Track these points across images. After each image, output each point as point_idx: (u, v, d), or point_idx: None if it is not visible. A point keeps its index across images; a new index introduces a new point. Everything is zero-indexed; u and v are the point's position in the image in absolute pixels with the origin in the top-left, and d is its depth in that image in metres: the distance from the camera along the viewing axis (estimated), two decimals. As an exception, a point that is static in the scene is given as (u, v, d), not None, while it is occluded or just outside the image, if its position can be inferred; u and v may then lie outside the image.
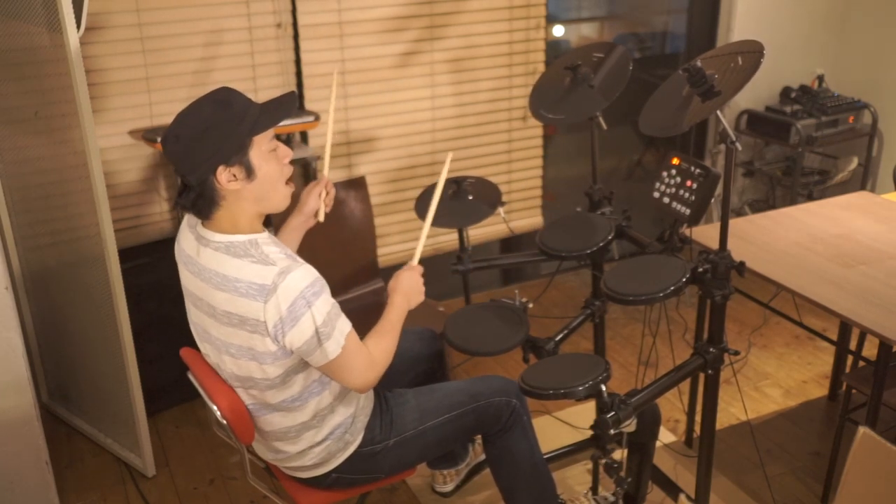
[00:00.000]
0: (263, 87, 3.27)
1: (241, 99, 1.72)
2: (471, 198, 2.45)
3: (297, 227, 2.09)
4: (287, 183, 1.80)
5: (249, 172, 1.70)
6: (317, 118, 3.19)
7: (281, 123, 1.76)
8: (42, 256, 2.92)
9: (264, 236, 1.79)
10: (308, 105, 3.34)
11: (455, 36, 3.54)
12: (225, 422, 1.89)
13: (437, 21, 3.49)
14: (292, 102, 1.77)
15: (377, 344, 1.87)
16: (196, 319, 1.88)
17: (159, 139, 2.91)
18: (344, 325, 1.77)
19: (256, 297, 1.69)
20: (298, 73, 3.30)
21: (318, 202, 2.05)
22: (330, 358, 1.75)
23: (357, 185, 3.44)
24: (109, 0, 2.93)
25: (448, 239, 3.74)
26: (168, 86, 3.12)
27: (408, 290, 1.97)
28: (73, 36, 2.27)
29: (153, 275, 3.04)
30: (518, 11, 3.62)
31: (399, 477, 2.13)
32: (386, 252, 3.66)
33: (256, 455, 2.11)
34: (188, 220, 1.87)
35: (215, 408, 1.89)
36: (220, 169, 1.68)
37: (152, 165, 3.20)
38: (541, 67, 3.73)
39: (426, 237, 2.06)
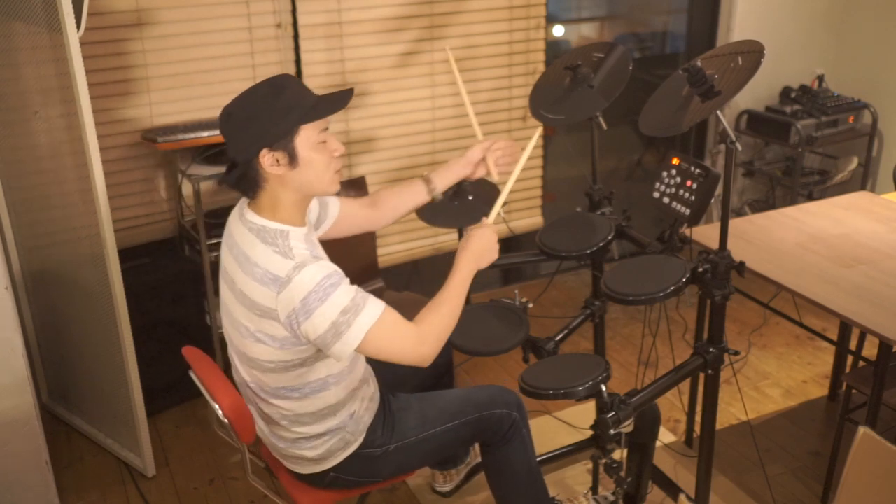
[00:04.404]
0: (263, 87, 3.27)
1: (296, 87, 1.74)
2: (471, 198, 2.44)
3: (452, 172, 2.16)
4: (338, 172, 1.83)
5: (293, 159, 1.73)
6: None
7: None
8: (42, 256, 2.92)
9: (298, 231, 1.80)
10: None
11: (455, 36, 3.54)
12: (226, 421, 1.89)
13: (437, 21, 3.49)
14: (346, 98, 1.77)
15: (428, 318, 1.83)
16: (222, 293, 1.91)
17: (160, 139, 2.93)
18: (371, 310, 1.74)
19: (270, 287, 1.71)
20: (298, 74, 3.30)
21: (480, 154, 2.15)
22: (353, 346, 1.73)
23: (357, 185, 3.44)
24: (109, 0, 2.94)
25: (448, 239, 3.74)
26: (168, 86, 3.12)
27: (478, 249, 1.93)
28: (73, 36, 2.27)
29: (153, 275, 3.05)
30: (518, 11, 3.62)
31: (398, 479, 2.13)
32: (386, 252, 3.66)
33: (257, 454, 2.11)
34: (241, 200, 1.91)
35: (217, 407, 1.89)
36: (264, 152, 1.71)
37: (152, 165, 3.20)
38: (541, 67, 3.73)
39: (508, 193, 2.06)
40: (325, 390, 1.89)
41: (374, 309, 1.75)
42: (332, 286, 1.70)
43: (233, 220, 1.87)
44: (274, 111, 1.70)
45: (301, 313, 1.70)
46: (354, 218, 2.16)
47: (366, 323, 1.73)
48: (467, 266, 1.92)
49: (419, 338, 1.80)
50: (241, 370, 1.92)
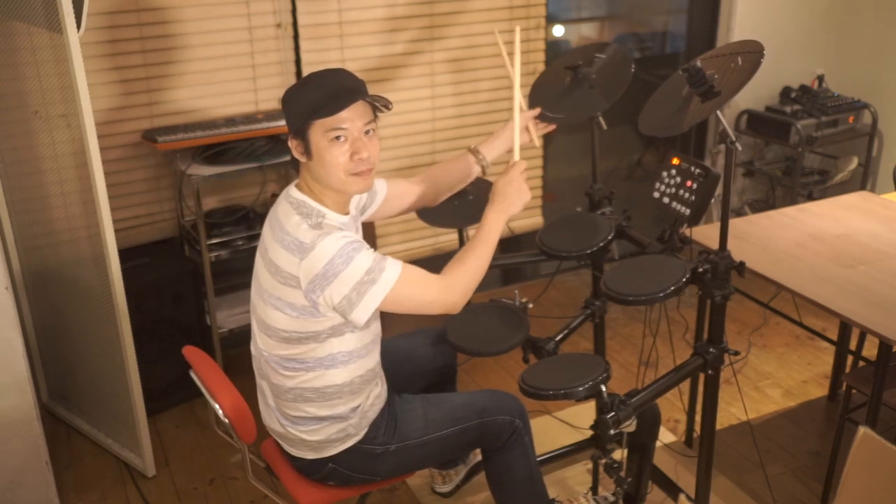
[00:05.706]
0: (263, 87, 3.27)
1: (324, 82, 1.81)
2: (471, 198, 2.44)
3: (500, 141, 2.20)
4: (358, 174, 1.87)
5: (307, 150, 1.83)
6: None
7: None
8: (42, 256, 2.92)
9: (336, 217, 1.87)
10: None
11: (455, 36, 3.54)
12: (227, 421, 1.89)
13: (437, 21, 3.49)
14: (345, 100, 1.80)
15: (454, 268, 1.89)
16: (255, 262, 1.95)
17: (160, 139, 2.93)
18: (394, 266, 1.82)
19: (295, 253, 1.78)
20: (298, 74, 3.30)
21: (525, 123, 2.19)
22: (379, 299, 1.79)
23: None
24: (109, 0, 2.94)
25: (448, 239, 3.74)
26: (168, 86, 3.12)
27: (505, 196, 1.96)
28: (73, 36, 2.27)
29: (153, 275, 3.04)
30: (518, 11, 3.62)
31: (397, 479, 2.13)
32: (386, 252, 3.64)
33: (257, 455, 2.11)
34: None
35: (217, 407, 1.89)
36: (290, 137, 1.85)
37: (152, 165, 3.20)
38: (541, 67, 3.73)
39: (518, 124, 2.11)
40: (333, 368, 1.90)
41: (395, 265, 1.84)
42: (354, 251, 1.77)
43: (280, 196, 1.94)
44: (294, 102, 1.82)
45: (323, 278, 1.75)
46: (407, 196, 2.22)
47: (390, 277, 1.80)
48: (496, 218, 1.96)
49: (445, 286, 1.87)
50: (258, 339, 1.96)
